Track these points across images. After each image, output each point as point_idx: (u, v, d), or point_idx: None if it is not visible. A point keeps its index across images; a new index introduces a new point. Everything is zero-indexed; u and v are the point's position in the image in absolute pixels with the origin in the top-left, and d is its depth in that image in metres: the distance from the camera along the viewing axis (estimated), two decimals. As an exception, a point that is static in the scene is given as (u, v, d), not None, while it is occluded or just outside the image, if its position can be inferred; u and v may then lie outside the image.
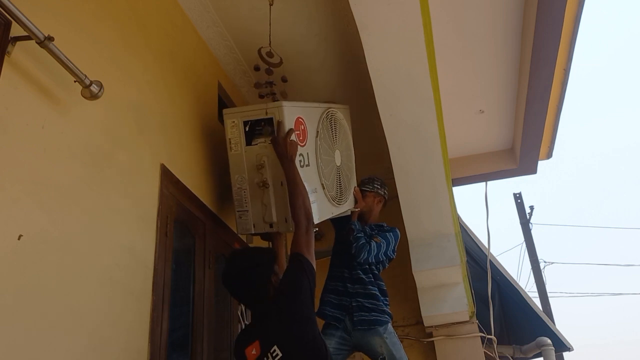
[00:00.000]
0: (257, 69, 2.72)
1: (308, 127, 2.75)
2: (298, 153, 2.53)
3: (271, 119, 2.52)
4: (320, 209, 2.71)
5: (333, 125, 3.00)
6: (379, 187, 3.24)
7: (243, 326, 3.03)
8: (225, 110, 2.63)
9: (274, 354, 1.80)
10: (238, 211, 2.58)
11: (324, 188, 2.77)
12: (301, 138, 2.65)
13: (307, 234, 2.12)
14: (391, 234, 3.07)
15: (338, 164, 3.02)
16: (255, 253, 2.14)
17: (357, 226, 3.02)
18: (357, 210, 3.12)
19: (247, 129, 2.55)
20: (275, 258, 2.13)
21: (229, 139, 2.59)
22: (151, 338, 1.97)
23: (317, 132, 2.82)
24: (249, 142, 2.56)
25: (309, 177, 2.62)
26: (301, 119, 2.69)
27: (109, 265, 1.83)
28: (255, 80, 2.82)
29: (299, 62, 3.38)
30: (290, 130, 2.48)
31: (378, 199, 3.23)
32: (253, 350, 1.84)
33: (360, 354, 3.31)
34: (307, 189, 2.43)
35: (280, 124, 2.48)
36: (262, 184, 2.51)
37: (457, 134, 4.43)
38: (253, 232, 2.59)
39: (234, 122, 2.57)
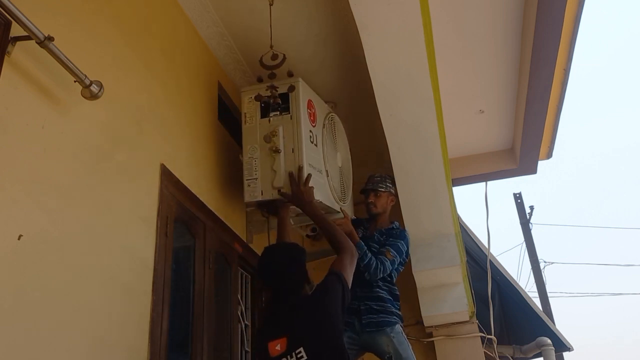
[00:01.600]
0: (260, 80, 2.75)
1: (317, 112, 2.96)
2: (309, 130, 2.76)
3: (287, 94, 2.75)
4: (323, 193, 2.81)
5: (334, 128, 3.15)
6: (390, 185, 3.21)
7: (243, 326, 3.04)
8: (243, 89, 2.86)
9: (298, 355, 1.80)
10: (247, 179, 2.71)
11: (327, 175, 2.89)
12: (312, 119, 2.88)
13: (352, 262, 2.17)
14: (402, 242, 3.00)
15: (340, 165, 3.13)
16: (295, 248, 2.17)
17: (362, 248, 2.83)
18: (343, 221, 2.93)
19: (262, 105, 2.78)
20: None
21: (245, 113, 2.81)
22: (151, 338, 1.97)
23: (324, 124, 3.02)
24: (263, 116, 2.79)
25: (315, 157, 2.79)
26: (312, 102, 2.92)
27: (109, 265, 1.83)
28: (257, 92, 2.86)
29: (299, 62, 3.37)
30: (309, 176, 2.63)
31: (391, 198, 3.21)
32: (277, 346, 1.84)
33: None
34: (312, 170, 2.67)
35: (300, 169, 2.62)
36: (274, 149, 2.68)
37: (457, 134, 4.42)
38: (261, 198, 2.67)
39: (251, 97, 2.79)
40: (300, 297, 2.00)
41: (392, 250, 2.93)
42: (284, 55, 2.60)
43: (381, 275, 2.87)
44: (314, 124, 2.87)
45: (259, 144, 2.74)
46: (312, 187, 2.62)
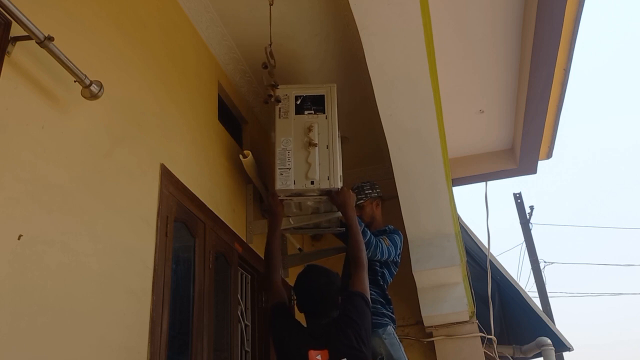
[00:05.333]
0: (275, 86, 2.82)
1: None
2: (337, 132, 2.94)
3: (322, 96, 2.98)
4: None
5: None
6: (370, 191, 3.22)
7: (243, 326, 3.04)
8: (281, 86, 2.96)
9: None
10: (279, 168, 2.85)
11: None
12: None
13: (365, 272, 2.43)
14: (396, 236, 3.06)
15: None
16: (332, 273, 2.34)
17: (362, 224, 2.91)
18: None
19: (298, 102, 2.99)
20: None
21: (279, 108, 2.98)
22: (151, 338, 1.97)
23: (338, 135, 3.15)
24: (298, 112, 2.97)
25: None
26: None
27: (109, 265, 1.83)
28: (265, 97, 2.95)
29: (299, 62, 3.38)
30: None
31: (376, 203, 3.22)
32: (318, 356, 2.05)
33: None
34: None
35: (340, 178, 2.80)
36: (310, 142, 2.86)
37: (457, 134, 4.42)
38: (293, 187, 2.80)
39: (286, 95, 2.99)
40: (335, 316, 2.20)
41: (388, 239, 3.00)
42: (270, 43, 2.67)
43: (379, 256, 2.89)
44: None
45: (293, 136, 2.88)
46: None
